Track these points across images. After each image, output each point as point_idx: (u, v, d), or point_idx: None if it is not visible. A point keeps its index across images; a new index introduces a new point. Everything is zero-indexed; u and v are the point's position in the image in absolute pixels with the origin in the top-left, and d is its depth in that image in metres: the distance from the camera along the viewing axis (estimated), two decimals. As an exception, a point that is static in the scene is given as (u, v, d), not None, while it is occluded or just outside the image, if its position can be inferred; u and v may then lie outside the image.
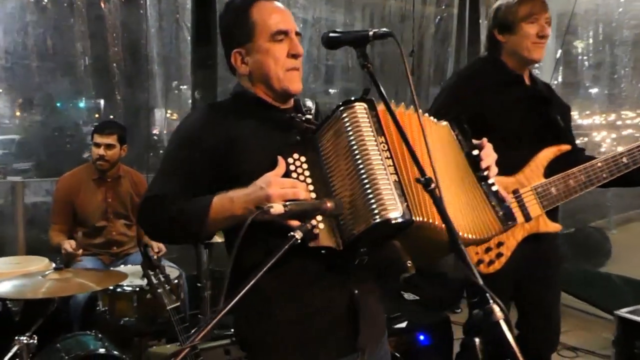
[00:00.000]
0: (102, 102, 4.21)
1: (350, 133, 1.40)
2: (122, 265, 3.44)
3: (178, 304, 2.63)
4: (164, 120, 4.41)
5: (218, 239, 3.27)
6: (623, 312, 3.65)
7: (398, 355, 3.01)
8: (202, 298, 3.44)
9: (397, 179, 1.37)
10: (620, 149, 2.30)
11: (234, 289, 1.23)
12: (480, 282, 1.15)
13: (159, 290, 2.61)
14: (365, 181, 1.35)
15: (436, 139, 1.57)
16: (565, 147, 2.27)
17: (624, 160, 2.21)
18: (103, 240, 3.59)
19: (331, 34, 1.48)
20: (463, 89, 2.34)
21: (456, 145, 1.63)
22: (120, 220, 3.65)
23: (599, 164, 2.21)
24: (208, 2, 4.02)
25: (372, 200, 1.33)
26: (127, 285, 3.06)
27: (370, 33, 1.41)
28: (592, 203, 5.65)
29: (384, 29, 1.43)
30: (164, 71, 4.07)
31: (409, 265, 1.53)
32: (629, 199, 6.12)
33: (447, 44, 5.38)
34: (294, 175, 1.43)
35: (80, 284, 2.77)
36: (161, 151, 4.39)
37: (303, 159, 1.46)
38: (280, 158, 1.44)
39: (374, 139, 1.40)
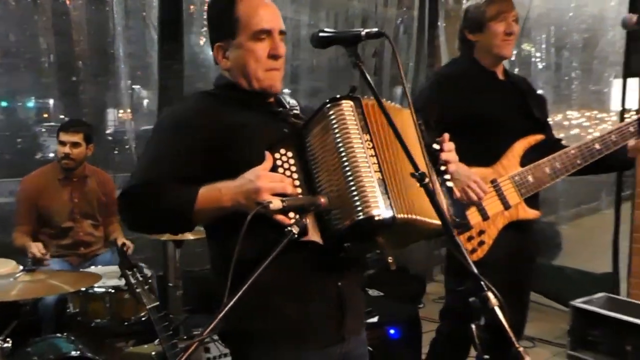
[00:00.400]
0: (61, 100, 4.11)
1: (336, 130, 1.42)
2: (92, 267, 3.39)
3: (157, 303, 2.62)
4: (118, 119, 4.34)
5: (190, 236, 3.28)
6: (578, 302, 3.86)
7: (371, 349, 3.09)
8: (173, 298, 3.42)
9: (380, 177, 1.40)
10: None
11: (224, 279, 1.26)
12: (475, 270, 1.21)
13: (137, 290, 2.59)
14: (350, 178, 1.38)
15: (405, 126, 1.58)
16: (539, 137, 2.35)
17: (597, 146, 2.30)
18: (70, 242, 3.53)
19: (321, 34, 1.49)
20: (442, 88, 2.40)
21: (414, 130, 1.59)
22: (87, 220, 3.59)
23: (573, 151, 2.30)
24: (175, 0, 3.99)
25: (356, 197, 1.36)
26: (100, 287, 3.02)
27: (363, 33, 1.43)
28: (544, 199, 5.89)
29: (376, 29, 1.45)
30: (129, 70, 4.01)
31: (390, 261, 1.61)
32: (579, 196, 6.42)
33: (407, 45, 5.49)
34: (281, 170, 1.45)
35: (53, 286, 2.72)
36: (115, 151, 4.32)
37: (290, 154, 1.47)
38: (267, 153, 1.45)
39: (359, 136, 1.42)
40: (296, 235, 1.33)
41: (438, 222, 1.42)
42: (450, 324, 2.60)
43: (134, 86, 4.16)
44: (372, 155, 1.42)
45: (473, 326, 1.27)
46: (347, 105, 1.45)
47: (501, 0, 2.40)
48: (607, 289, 4.19)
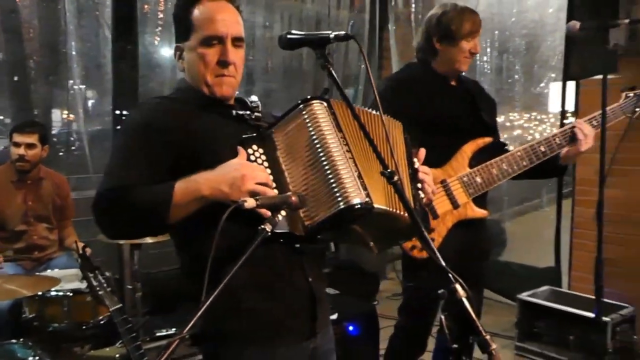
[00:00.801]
0: (11, 100, 3.98)
1: (311, 128, 1.47)
2: (47, 270, 3.33)
3: (120, 305, 2.61)
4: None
5: (148, 239, 3.27)
6: (524, 295, 4.05)
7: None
8: (131, 300, 3.40)
9: (357, 170, 1.45)
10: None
11: (197, 279, 1.27)
12: (443, 264, 1.27)
13: (100, 293, 2.57)
14: (329, 171, 1.43)
15: (396, 135, 1.69)
16: (488, 140, 2.44)
17: (542, 148, 2.39)
18: (24, 245, 3.45)
19: (290, 36, 1.51)
20: (395, 93, 2.44)
21: (403, 145, 1.73)
22: (42, 223, 3.52)
23: (519, 153, 2.39)
24: (128, 1, 3.96)
25: (336, 189, 1.41)
26: (58, 290, 2.97)
27: (332, 35, 1.45)
28: (489, 198, 6.12)
29: (344, 32, 1.48)
30: (82, 69, 3.94)
31: (371, 245, 1.67)
32: (522, 193, 6.69)
33: (358, 47, 5.58)
34: (255, 164, 1.49)
35: (10, 290, 2.69)
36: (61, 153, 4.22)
37: (261, 150, 1.51)
38: (240, 148, 1.48)
39: (333, 133, 1.48)
40: (270, 233, 1.34)
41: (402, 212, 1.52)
42: (408, 319, 2.69)
43: (80, 86, 4.06)
44: (347, 151, 1.48)
45: (442, 317, 1.35)
46: (319, 105, 1.51)
47: (475, 17, 2.46)
48: (550, 282, 4.40)
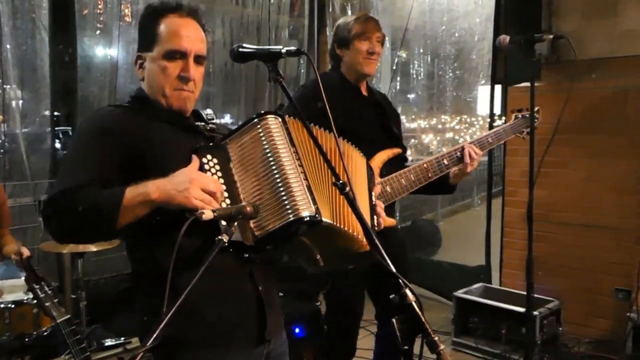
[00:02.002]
0: None
1: (265, 141, 1.51)
2: (-15, 281, 3.22)
3: (68, 316, 2.57)
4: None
5: (92, 247, 3.23)
6: (459, 293, 4.26)
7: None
8: (75, 309, 3.34)
9: (308, 184, 1.50)
10: (444, 149, 2.68)
11: (150, 288, 1.28)
12: (394, 270, 1.33)
13: (47, 304, 2.53)
14: (280, 184, 1.47)
15: (353, 162, 1.80)
16: (397, 151, 2.46)
17: (445, 161, 2.50)
18: (-42, 255, 3.31)
19: (241, 49, 1.54)
20: (309, 100, 2.41)
21: (366, 176, 1.87)
22: (-23, 232, 3.38)
23: (425, 165, 2.48)
24: (65, 3, 3.86)
25: (286, 201, 1.45)
26: (-4, 302, 2.90)
27: (283, 50, 1.49)
28: (425, 198, 6.35)
29: (295, 47, 1.53)
30: (19, 72, 3.81)
31: (318, 258, 1.74)
32: (454, 193, 6.97)
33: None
34: (208, 174, 1.51)
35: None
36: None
37: (215, 160, 1.54)
38: (194, 156, 1.51)
39: (286, 147, 1.52)
40: (226, 244, 1.37)
41: (358, 234, 1.60)
42: (334, 317, 2.83)
43: (5, 86, 3.93)
44: (299, 165, 1.54)
45: (393, 320, 1.43)
46: (273, 119, 1.56)
47: (367, 21, 2.59)
48: (482, 280, 4.63)
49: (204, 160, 1.53)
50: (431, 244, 5.89)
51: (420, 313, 1.32)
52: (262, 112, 1.58)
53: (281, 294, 3.93)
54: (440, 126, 6.68)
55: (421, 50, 5.75)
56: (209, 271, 1.41)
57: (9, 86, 3.86)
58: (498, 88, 4.69)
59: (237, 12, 5.00)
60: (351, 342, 2.76)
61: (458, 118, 6.88)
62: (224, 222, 1.42)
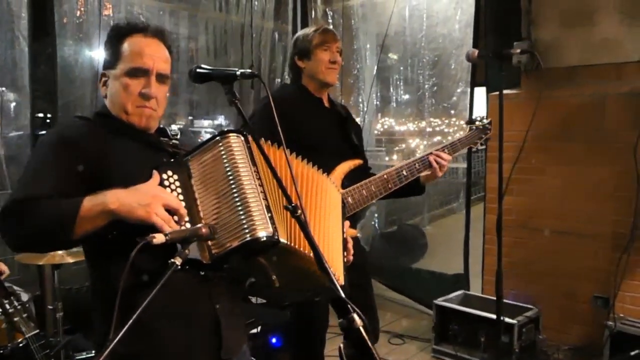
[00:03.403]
0: None
1: (225, 159, 1.52)
2: (-40, 293, 3.22)
3: (37, 331, 2.59)
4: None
5: (69, 259, 3.24)
6: (439, 300, 4.27)
7: (254, 359, 3.24)
8: (52, 320, 3.35)
9: (267, 204, 1.50)
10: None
11: (105, 305, 1.28)
12: (344, 295, 1.35)
13: (15, 319, 2.55)
14: (238, 202, 1.47)
15: (331, 201, 1.83)
16: (358, 162, 2.50)
17: (404, 172, 2.55)
18: None
19: (199, 70, 1.56)
20: (271, 113, 2.54)
21: (340, 210, 1.90)
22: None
23: (385, 176, 2.52)
24: (45, 11, 3.87)
25: (244, 220, 1.45)
26: (-29, 315, 2.90)
27: (238, 72, 1.53)
28: (411, 202, 6.37)
29: (250, 70, 1.56)
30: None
31: (274, 279, 1.76)
32: (439, 197, 6.99)
33: (283, 55, 5.66)
34: (168, 190, 1.52)
35: None
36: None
37: (176, 177, 1.55)
38: (155, 172, 1.52)
39: (247, 166, 1.53)
40: (179, 267, 1.37)
41: (332, 270, 1.61)
42: (299, 327, 2.84)
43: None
44: (259, 185, 1.54)
45: (341, 345, 1.44)
46: (235, 138, 1.57)
47: (326, 32, 2.64)
48: (460, 287, 4.64)
49: (164, 176, 1.54)
50: (416, 249, 5.87)
51: (367, 338, 1.32)
52: (225, 130, 1.59)
53: (264, 300, 4.01)
54: (429, 129, 6.69)
55: (400, 57, 5.74)
56: (166, 290, 1.41)
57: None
58: (482, 92, 4.69)
59: (221, 19, 5.01)
60: (317, 352, 2.77)
61: (439, 121, 6.89)
62: (178, 245, 1.42)
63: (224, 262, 1.50)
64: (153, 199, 1.43)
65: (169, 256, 1.37)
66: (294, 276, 1.72)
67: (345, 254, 1.82)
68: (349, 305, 1.33)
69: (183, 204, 1.52)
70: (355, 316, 1.33)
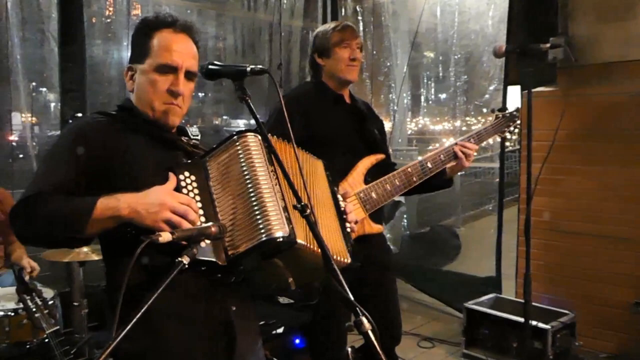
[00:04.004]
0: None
1: (242, 159, 1.50)
2: (-11, 288, 3.29)
3: (57, 327, 2.60)
4: (27, 128, 4.17)
5: (94, 256, 3.26)
6: (470, 303, 4.15)
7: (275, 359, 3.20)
8: (78, 317, 3.38)
9: (284, 204, 1.48)
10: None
11: (113, 295, 1.28)
12: (352, 298, 1.33)
13: (36, 315, 2.57)
14: (255, 203, 1.45)
15: (312, 171, 1.76)
16: (380, 157, 2.51)
17: (429, 165, 2.50)
18: (-33, 262, 3.40)
19: (210, 66, 1.55)
20: (289, 111, 2.50)
21: (326, 181, 1.82)
22: (-15, 239, 3.46)
23: (409, 169, 2.47)
24: (74, 12, 3.92)
25: (260, 220, 1.43)
26: (-2, 310, 2.95)
27: (248, 69, 1.51)
28: (444, 203, 6.25)
29: (260, 67, 1.53)
30: (28, 83, 3.89)
31: (290, 281, 1.72)
32: (473, 198, 6.84)
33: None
34: (184, 191, 1.50)
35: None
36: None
37: (193, 177, 1.53)
38: (171, 174, 1.50)
39: (264, 166, 1.51)
40: (186, 266, 1.35)
41: (336, 257, 1.59)
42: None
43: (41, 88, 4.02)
44: (276, 185, 1.51)
45: (348, 349, 1.40)
46: (252, 137, 1.54)
47: (345, 29, 2.57)
48: (492, 290, 4.50)
49: (181, 177, 1.52)
50: (449, 251, 5.76)
51: (375, 342, 1.29)
52: (243, 129, 1.57)
53: (292, 301, 3.97)
54: (453, 129, 6.58)
55: (432, 53, 5.64)
56: (179, 291, 1.45)
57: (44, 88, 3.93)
58: (517, 90, 4.55)
59: (249, 17, 4.99)
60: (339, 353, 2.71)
61: (475, 120, 6.76)
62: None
63: (239, 263, 1.48)
64: (160, 207, 1.41)
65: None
66: (307, 273, 1.70)
67: (348, 225, 1.78)
68: (357, 308, 1.30)
69: (199, 204, 1.50)
70: (364, 319, 1.30)
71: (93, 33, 4.14)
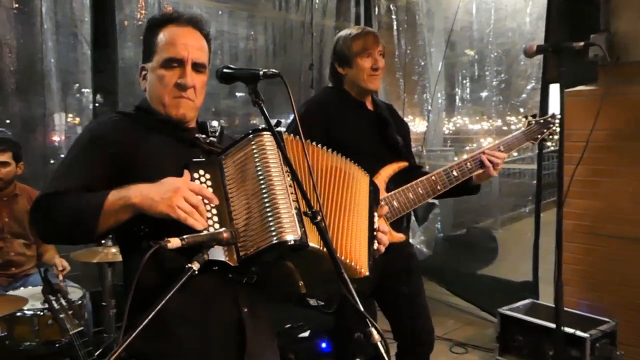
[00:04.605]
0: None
1: (257, 159, 1.48)
2: (21, 288, 3.36)
3: (81, 328, 2.63)
4: (63, 128, 4.26)
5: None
6: (504, 309, 4.02)
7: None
8: (107, 316, 3.42)
9: (297, 206, 1.44)
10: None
11: (132, 304, 1.28)
12: (361, 308, 1.28)
13: (61, 316, 2.60)
14: (267, 204, 1.43)
15: (351, 176, 1.72)
16: (403, 164, 2.45)
17: (454, 173, 2.42)
18: (0, 262, 3.47)
19: (225, 70, 1.54)
20: (312, 116, 2.43)
21: (367, 195, 1.78)
22: (19, 239, 3.53)
23: (433, 177, 2.40)
24: (107, 15, 3.97)
25: (272, 222, 1.41)
26: (28, 309, 3.00)
27: (261, 72, 1.49)
28: (481, 205, 6.10)
29: (273, 70, 1.50)
30: (61, 86, 3.96)
31: (300, 285, 1.67)
32: (513, 200, 6.64)
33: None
34: None
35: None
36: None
37: (208, 175, 1.52)
38: (186, 170, 1.50)
39: (279, 167, 1.47)
40: (196, 272, 1.34)
41: (351, 262, 1.55)
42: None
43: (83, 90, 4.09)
44: (291, 186, 1.47)
45: (360, 335, 1.35)
46: (268, 136, 1.51)
47: (366, 36, 2.48)
48: (530, 295, 4.35)
49: (196, 175, 1.51)
50: (485, 254, 5.61)
51: (385, 354, 1.26)
52: (260, 127, 1.54)
53: (322, 303, 3.93)
54: (505, 127, 6.43)
55: (467, 52, 5.51)
56: (191, 292, 1.41)
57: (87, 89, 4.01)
58: (557, 89, 4.38)
59: (280, 18, 4.97)
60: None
61: (515, 120, 6.59)
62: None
63: (251, 264, 1.46)
64: (174, 193, 1.40)
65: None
66: (319, 278, 1.64)
67: (376, 244, 1.74)
68: (367, 319, 1.26)
69: (212, 204, 1.48)
70: (374, 330, 1.27)
71: (125, 36, 4.18)
